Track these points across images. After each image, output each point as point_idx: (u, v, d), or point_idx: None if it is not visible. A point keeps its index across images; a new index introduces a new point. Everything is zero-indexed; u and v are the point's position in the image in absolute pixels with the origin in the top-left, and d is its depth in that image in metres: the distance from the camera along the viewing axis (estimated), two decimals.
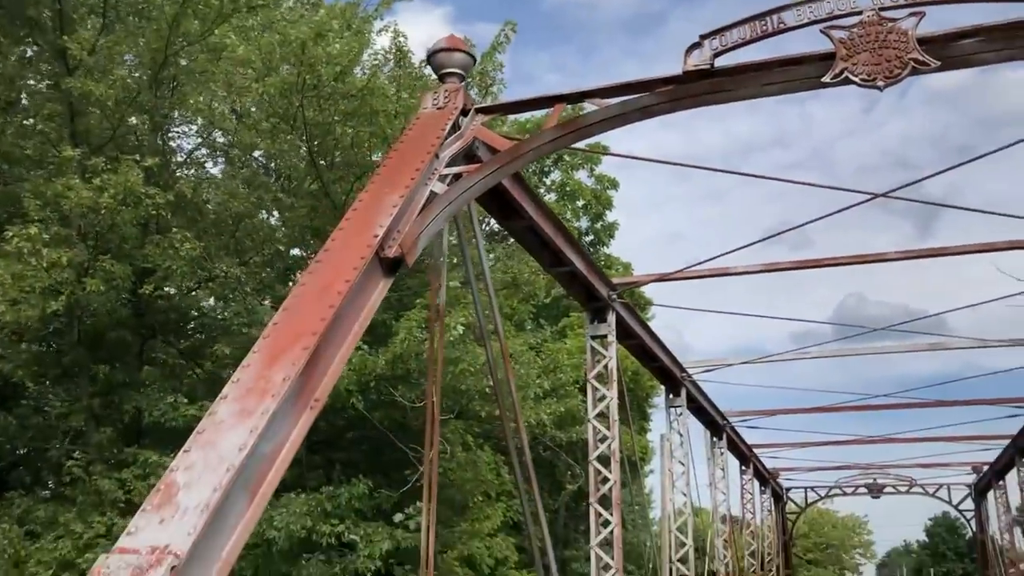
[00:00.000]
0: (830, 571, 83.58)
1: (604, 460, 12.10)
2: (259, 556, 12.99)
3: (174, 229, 15.10)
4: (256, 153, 19.83)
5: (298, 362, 5.19)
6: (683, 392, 17.69)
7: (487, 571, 21.01)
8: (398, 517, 14.15)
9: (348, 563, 13.43)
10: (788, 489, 37.77)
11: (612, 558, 11.61)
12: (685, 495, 18.33)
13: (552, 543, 34.86)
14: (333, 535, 13.21)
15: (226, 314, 16.75)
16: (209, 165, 20.97)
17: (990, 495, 32.79)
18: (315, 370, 5.39)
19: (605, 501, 11.96)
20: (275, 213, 19.05)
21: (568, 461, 24.94)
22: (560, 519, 43.83)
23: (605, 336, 12.49)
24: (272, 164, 20.01)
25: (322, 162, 17.64)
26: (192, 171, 20.01)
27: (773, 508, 34.42)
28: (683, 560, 17.35)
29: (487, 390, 15.67)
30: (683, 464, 17.82)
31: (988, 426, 26.48)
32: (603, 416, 12.29)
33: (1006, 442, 26.53)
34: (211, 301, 18.70)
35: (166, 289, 16.13)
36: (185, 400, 14.70)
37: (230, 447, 4.68)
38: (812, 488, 37.92)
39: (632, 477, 19.39)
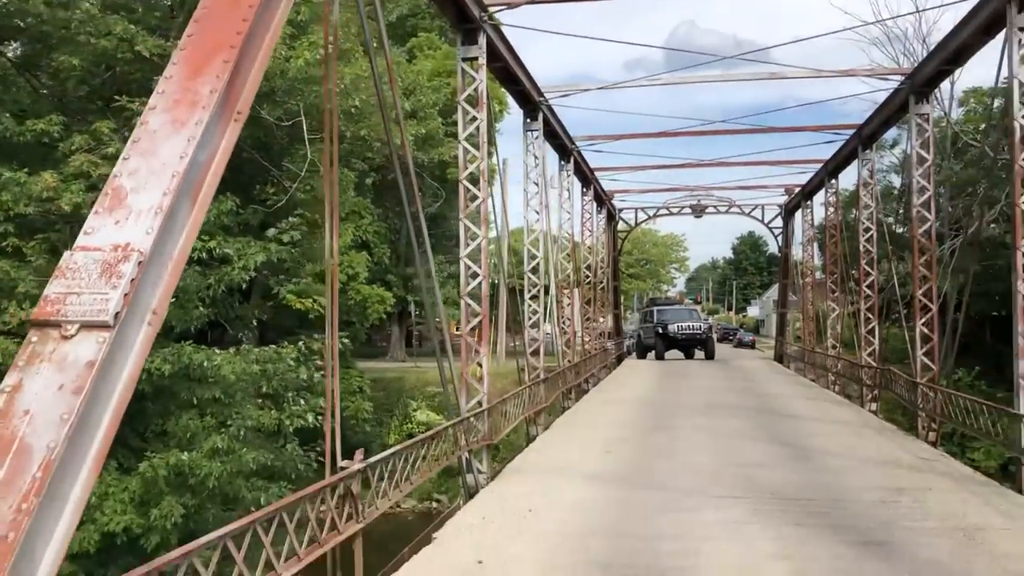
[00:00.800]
0: (648, 283, 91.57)
1: (473, 179, 12.77)
2: None
3: None
4: None
5: (222, 75, 5.30)
6: (540, 117, 18.32)
7: (340, 286, 22.19)
8: (271, 232, 14.55)
9: (223, 274, 13.89)
10: (620, 210, 40.39)
11: (479, 266, 12.63)
12: (538, 213, 19.56)
13: (397, 261, 36.25)
14: (205, 250, 13.52)
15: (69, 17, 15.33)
16: None
17: (797, 214, 36.43)
18: (235, 83, 5.52)
19: (474, 217, 12.77)
20: None
21: (433, 185, 25.62)
22: (403, 237, 45.37)
23: (476, 59, 12.69)
24: None
25: None
26: None
27: (607, 227, 36.94)
28: (534, 271, 18.87)
29: (352, 110, 15.69)
30: (537, 185, 18.83)
31: (805, 151, 28.97)
32: (472, 137, 12.79)
33: (819, 166, 29.23)
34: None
35: None
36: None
37: (171, 155, 4.90)
38: (642, 209, 40.75)
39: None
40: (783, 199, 37.77)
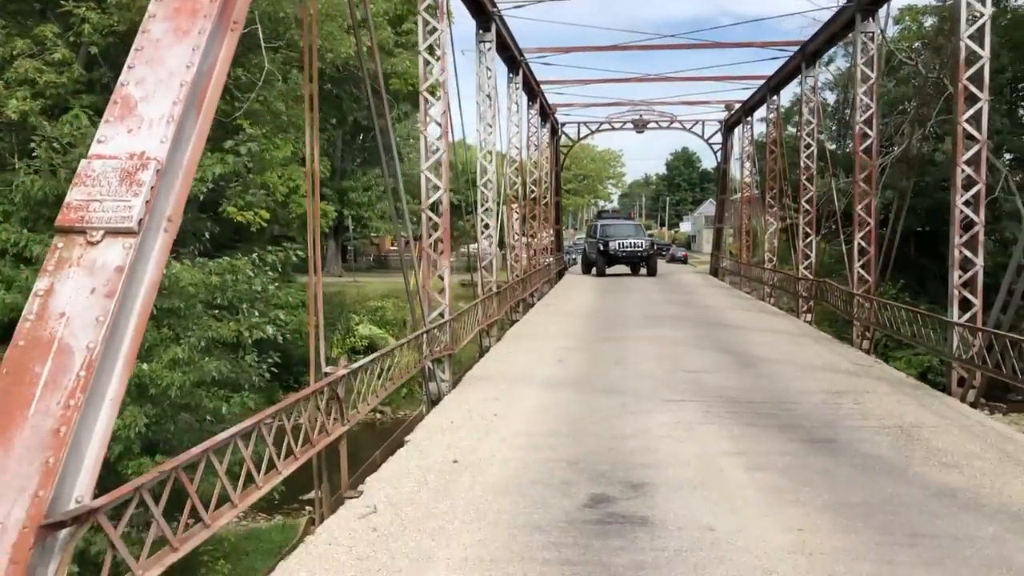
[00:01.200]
0: (585, 199, 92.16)
1: (432, 91, 12.78)
2: None
3: None
4: None
5: None
6: (493, 28, 18.20)
7: (281, 198, 22.16)
8: (228, 143, 14.36)
9: None
10: (563, 124, 40.42)
11: (440, 179, 12.76)
12: (491, 127, 19.58)
13: (332, 174, 35.79)
14: None
15: None
16: None
17: (737, 130, 37.00)
18: None
19: (432, 130, 12.83)
20: None
21: (391, 99, 25.13)
22: (338, 151, 44.71)
23: None
24: None
25: None
26: None
27: (550, 142, 37.02)
28: (485, 186, 19.01)
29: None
30: (490, 98, 18.81)
31: (747, 68, 29.27)
32: (432, 49, 12.76)
33: (761, 83, 29.64)
34: None
35: None
36: None
37: (177, 64, 4.95)
38: (584, 123, 40.82)
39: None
40: (723, 115, 38.23)
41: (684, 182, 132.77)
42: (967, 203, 11.86)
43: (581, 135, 41.86)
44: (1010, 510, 7.16)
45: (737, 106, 35.28)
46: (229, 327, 14.52)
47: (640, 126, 39.41)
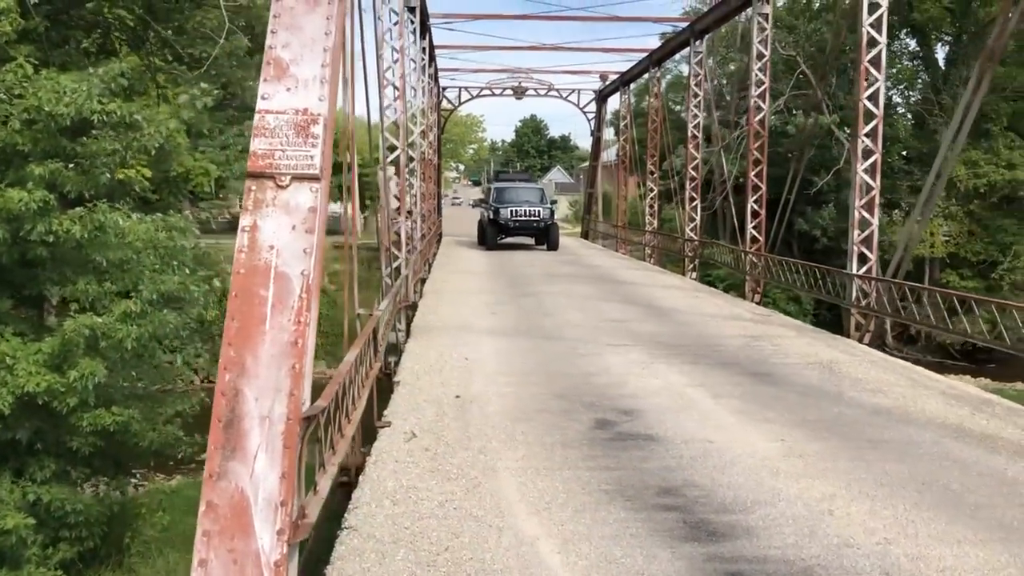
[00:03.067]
0: (447, 163, 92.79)
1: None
2: (40, 133, 12.76)
3: None
4: None
5: None
6: None
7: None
8: (183, 98, 14.34)
9: (133, 140, 13.63)
10: (444, 88, 41.04)
11: (398, 139, 13.41)
12: (397, 89, 20.10)
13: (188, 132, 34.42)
14: (104, 113, 13.17)
15: None
16: None
17: (611, 99, 38.75)
18: None
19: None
20: None
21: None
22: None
23: None
24: None
25: None
26: None
27: (435, 106, 37.60)
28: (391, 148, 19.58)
29: None
30: (398, 51, 19.27)
31: (625, 42, 30.90)
32: None
33: (640, 56, 31.33)
34: None
35: None
36: None
37: (316, 31, 5.60)
38: (465, 88, 41.57)
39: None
40: (599, 85, 39.90)
41: (532, 148, 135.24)
42: (866, 171, 13.68)
43: (462, 99, 42.63)
44: (936, 422, 8.81)
45: (612, 77, 36.97)
46: (174, 280, 14.69)
47: (519, 93, 40.59)
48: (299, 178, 5.04)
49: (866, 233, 13.79)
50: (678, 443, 7.92)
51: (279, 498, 4.22)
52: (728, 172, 24.08)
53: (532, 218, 31.39)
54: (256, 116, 5.23)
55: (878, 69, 13.59)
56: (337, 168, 7.87)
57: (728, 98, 37.32)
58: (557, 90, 40.91)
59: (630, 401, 9.52)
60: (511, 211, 31.36)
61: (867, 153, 13.66)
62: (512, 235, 32.35)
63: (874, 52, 13.55)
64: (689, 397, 9.77)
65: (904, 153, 40.08)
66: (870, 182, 13.72)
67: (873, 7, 13.47)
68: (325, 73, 5.46)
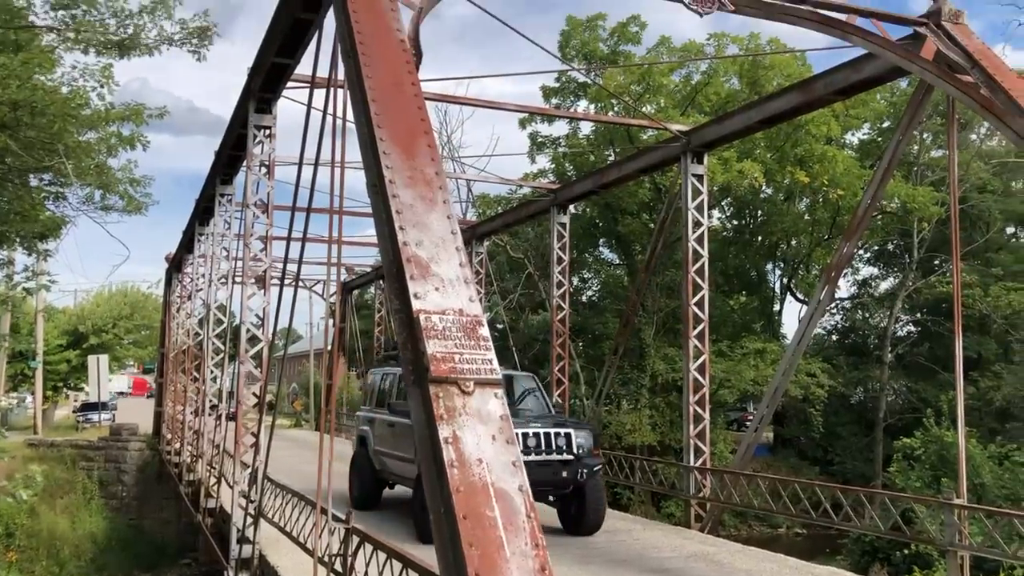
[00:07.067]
0: None
1: None
2: None
3: None
4: None
5: (433, 157, 5.88)
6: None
7: None
8: None
9: None
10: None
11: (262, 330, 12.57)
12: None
13: None
14: None
15: None
16: None
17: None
18: (437, 163, 5.93)
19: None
20: None
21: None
22: None
23: None
24: None
25: None
26: None
27: None
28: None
29: None
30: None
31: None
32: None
33: None
34: None
35: None
36: None
37: (441, 229, 5.43)
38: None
39: None
40: (344, 276, 40.14)
41: None
42: (698, 369, 15.00)
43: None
44: None
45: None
46: None
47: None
48: (482, 384, 4.71)
49: (700, 428, 14.91)
50: None
51: None
52: None
53: (552, 456, 12.76)
54: (421, 317, 4.84)
55: (702, 279, 15.20)
56: None
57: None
58: (303, 280, 40.53)
59: None
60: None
61: (697, 354, 15.03)
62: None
63: (698, 265, 15.22)
64: None
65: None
66: (700, 379, 15.02)
67: (696, 225, 15.28)
68: (465, 273, 5.26)
